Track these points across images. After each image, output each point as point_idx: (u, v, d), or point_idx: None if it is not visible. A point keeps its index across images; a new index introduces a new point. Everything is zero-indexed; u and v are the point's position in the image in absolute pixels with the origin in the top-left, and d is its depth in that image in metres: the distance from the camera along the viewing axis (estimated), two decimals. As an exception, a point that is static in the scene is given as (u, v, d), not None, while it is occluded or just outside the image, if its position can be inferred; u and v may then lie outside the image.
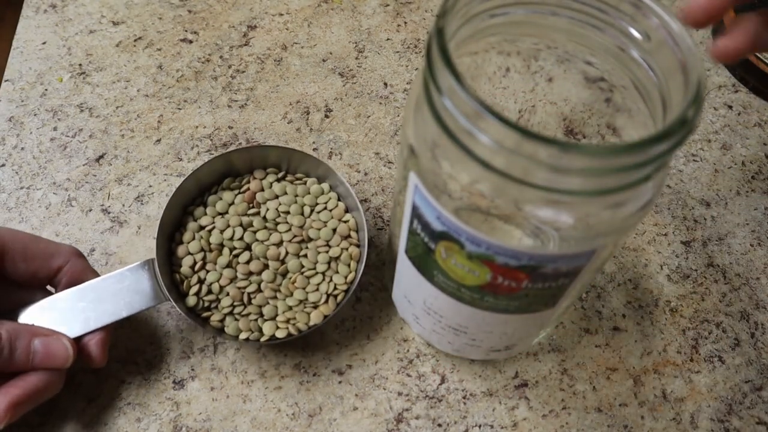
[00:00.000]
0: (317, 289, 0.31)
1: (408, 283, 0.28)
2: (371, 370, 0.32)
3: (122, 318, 0.29)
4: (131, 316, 0.33)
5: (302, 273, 0.31)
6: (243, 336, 0.30)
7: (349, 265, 0.31)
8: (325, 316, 0.30)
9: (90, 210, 0.36)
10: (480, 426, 0.31)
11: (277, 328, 0.30)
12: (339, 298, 0.31)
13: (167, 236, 0.32)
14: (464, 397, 0.32)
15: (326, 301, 0.31)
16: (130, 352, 0.32)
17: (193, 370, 0.32)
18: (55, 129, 0.39)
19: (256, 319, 0.30)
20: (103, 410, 0.30)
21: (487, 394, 0.32)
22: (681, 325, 0.34)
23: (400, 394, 0.32)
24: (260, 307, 0.30)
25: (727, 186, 0.39)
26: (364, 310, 0.34)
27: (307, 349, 0.32)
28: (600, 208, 0.21)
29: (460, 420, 0.31)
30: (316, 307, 0.31)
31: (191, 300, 0.30)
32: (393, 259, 0.29)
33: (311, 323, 0.30)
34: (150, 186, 0.37)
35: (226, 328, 0.30)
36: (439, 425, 0.31)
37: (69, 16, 0.44)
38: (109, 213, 0.36)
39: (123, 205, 0.36)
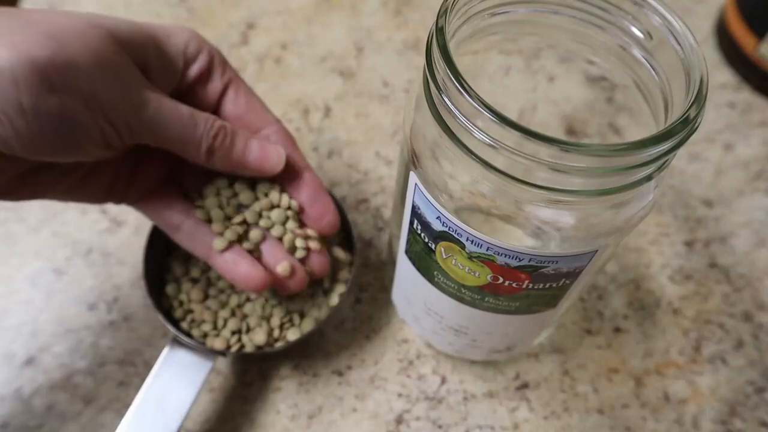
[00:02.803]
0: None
1: (408, 284, 0.28)
2: (371, 371, 0.32)
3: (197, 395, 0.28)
4: (129, 317, 0.33)
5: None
6: (234, 348, 0.29)
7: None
8: (303, 334, 0.30)
9: (88, 210, 0.36)
10: (481, 427, 0.31)
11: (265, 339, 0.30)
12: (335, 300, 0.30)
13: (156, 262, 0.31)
14: (465, 399, 0.31)
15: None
16: (128, 353, 0.32)
17: (191, 371, 0.31)
18: (53, 129, 0.39)
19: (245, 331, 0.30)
20: (101, 412, 0.30)
21: (488, 396, 0.32)
22: (683, 326, 0.34)
23: (400, 395, 0.31)
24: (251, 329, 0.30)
25: (730, 186, 0.39)
26: (364, 311, 0.34)
27: (306, 350, 0.32)
28: (602, 208, 0.21)
29: (461, 421, 0.31)
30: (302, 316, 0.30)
31: (214, 342, 0.29)
32: (393, 259, 0.29)
33: (303, 332, 0.30)
34: (149, 186, 0.37)
35: (231, 348, 0.29)
36: (440, 427, 0.31)
37: (68, 16, 0.44)
38: (107, 213, 0.36)
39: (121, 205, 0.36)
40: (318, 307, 0.30)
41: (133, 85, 0.23)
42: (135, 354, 0.32)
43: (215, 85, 0.27)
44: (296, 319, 0.30)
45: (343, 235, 0.33)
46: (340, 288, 0.31)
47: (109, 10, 0.44)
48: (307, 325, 0.30)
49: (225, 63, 0.27)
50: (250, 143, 0.27)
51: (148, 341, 0.32)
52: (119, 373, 0.31)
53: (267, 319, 0.30)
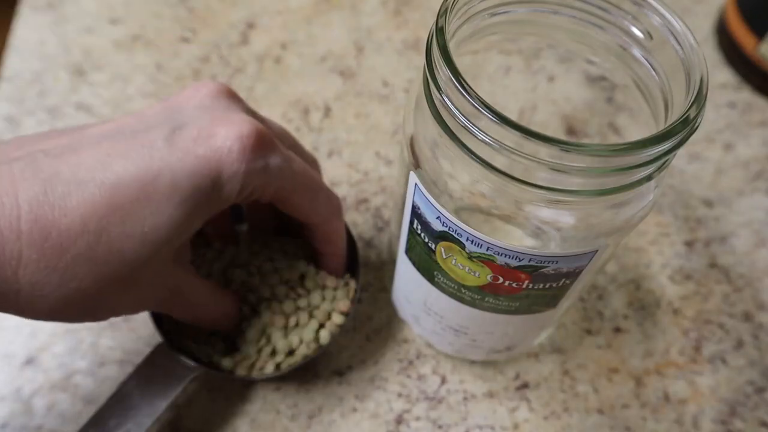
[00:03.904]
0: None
1: (408, 284, 0.28)
2: (371, 371, 0.32)
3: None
4: (129, 317, 0.33)
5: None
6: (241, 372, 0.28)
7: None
8: (306, 356, 0.29)
9: (88, 210, 0.36)
10: (481, 427, 0.31)
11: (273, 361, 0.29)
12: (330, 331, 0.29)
13: None
14: (465, 399, 0.31)
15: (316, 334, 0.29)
16: (128, 353, 0.32)
17: (191, 371, 0.31)
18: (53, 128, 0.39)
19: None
20: (101, 412, 0.30)
21: (488, 396, 0.32)
22: (683, 326, 0.34)
23: (400, 395, 0.31)
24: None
25: (730, 186, 0.39)
26: (364, 311, 0.34)
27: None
28: (602, 208, 0.21)
29: (461, 421, 0.31)
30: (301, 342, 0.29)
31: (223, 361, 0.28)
32: (393, 259, 0.29)
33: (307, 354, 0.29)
34: (149, 186, 0.37)
35: (235, 369, 0.28)
36: (440, 427, 0.31)
37: (67, 15, 0.44)
38: (107, 213, 0.36)
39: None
40: (307, 345, 0.29)
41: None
42: (135, 354, 0.32)
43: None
44: (284, 350, 0.29)
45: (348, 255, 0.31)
46: (338, 319, 0.29)
47: (109, 11, 0.44)
48: (296, 360, 0.28)
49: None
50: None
51: (148, 341, 0.32)
52: (119, 373, 0.31)
53: (259, 347, 0.29)
